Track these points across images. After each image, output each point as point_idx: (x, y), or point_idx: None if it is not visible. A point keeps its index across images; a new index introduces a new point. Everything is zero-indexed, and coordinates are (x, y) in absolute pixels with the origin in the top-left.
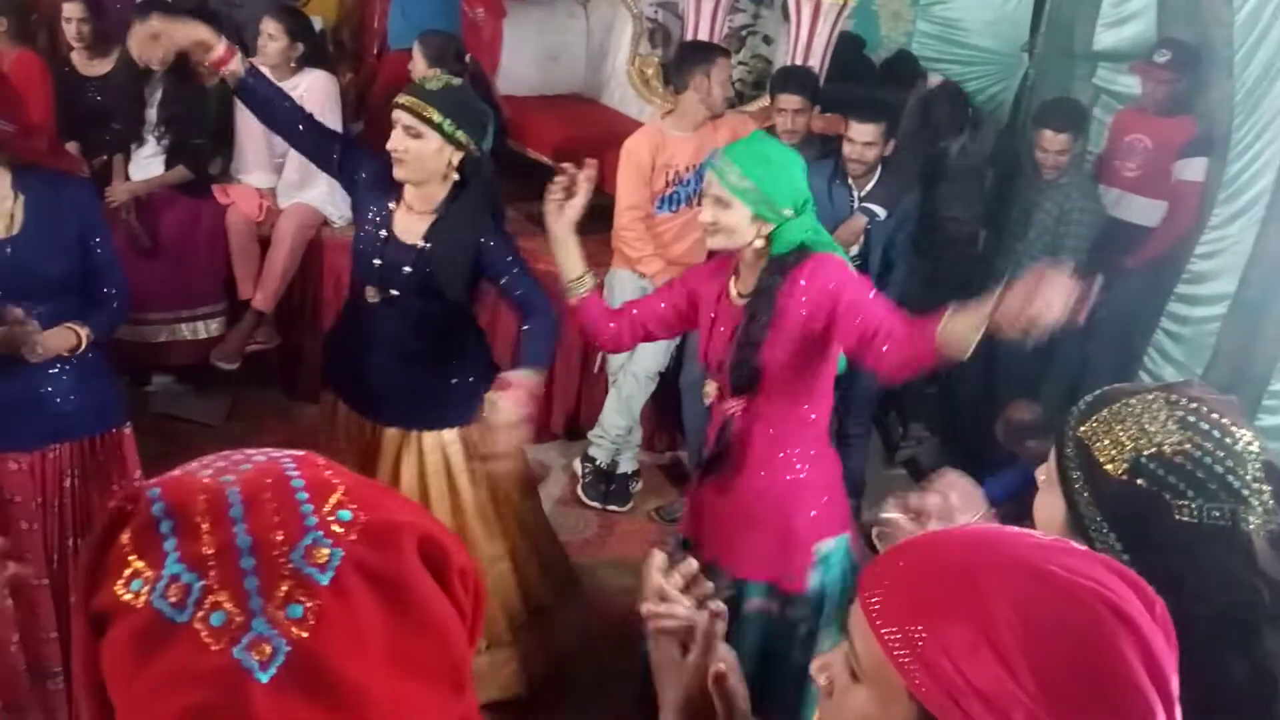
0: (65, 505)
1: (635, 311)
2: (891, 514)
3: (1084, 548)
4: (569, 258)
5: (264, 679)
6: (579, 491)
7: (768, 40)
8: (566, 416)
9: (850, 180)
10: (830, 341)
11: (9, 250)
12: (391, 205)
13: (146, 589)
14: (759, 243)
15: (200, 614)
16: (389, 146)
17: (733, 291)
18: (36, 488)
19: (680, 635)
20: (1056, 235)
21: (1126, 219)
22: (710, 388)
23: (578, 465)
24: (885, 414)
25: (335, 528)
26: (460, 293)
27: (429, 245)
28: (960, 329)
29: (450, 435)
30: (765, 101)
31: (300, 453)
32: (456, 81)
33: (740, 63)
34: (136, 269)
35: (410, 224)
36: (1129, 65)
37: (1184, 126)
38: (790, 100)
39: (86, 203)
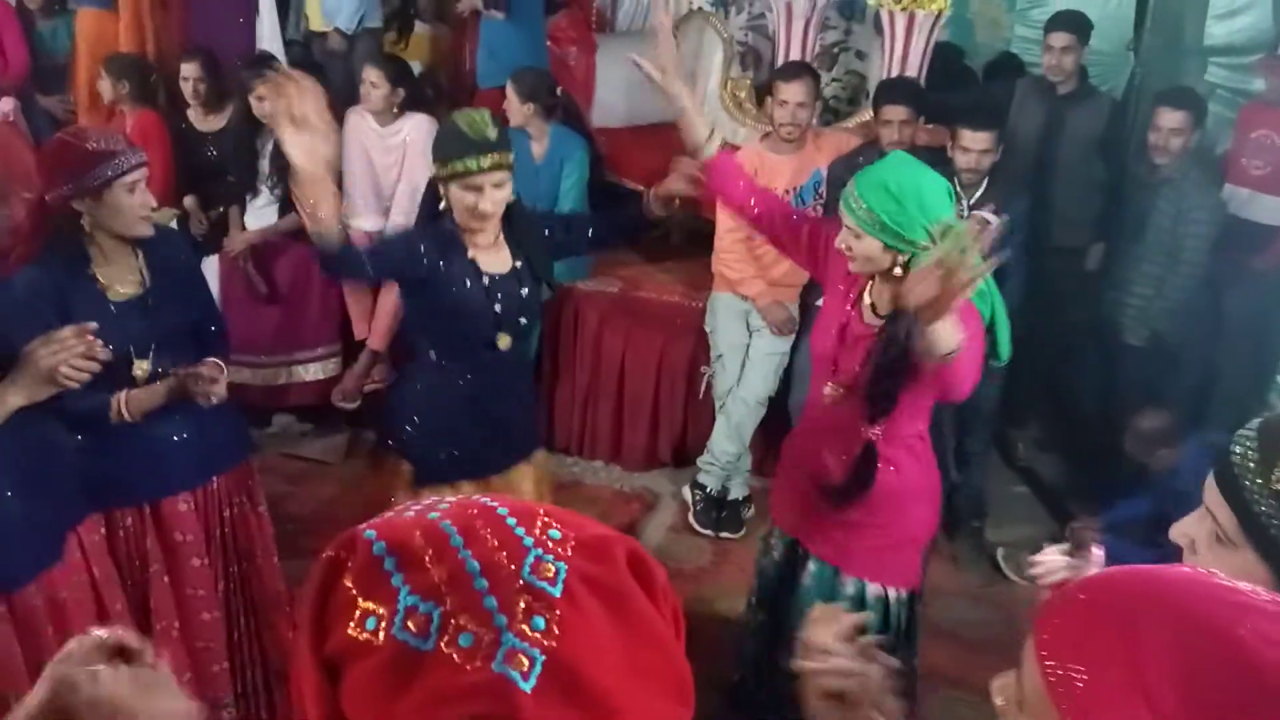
0: (226, 535)
1: (768, 199)
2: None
3: None
4: (693, 117)
5: (528, 688)
6: (690, 519)
7: (860, 55)
8: (673, 443)
9: (960, 189)
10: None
11: (148, 304)
12: (470, 255)
13: (384, 625)
14: (898, 270)
15: (446, 638)
16: (485, 210)
17: (866, 300)
18: (202, 523)
19: (841, 688)
20: (1175, 237)
21: (1255, 219)
22: (829, 389)
23: (687, 493)
24: (1005, 431)
25: (552, 545)
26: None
27: (521, 263)
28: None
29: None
30: (863, 116)
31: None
32: (490, 115)
33: (834, 79)
34: (255, 315)
35: (495, 258)
36: (1254, 62)
37: None
38: (896, 111)
39: (186, 250)
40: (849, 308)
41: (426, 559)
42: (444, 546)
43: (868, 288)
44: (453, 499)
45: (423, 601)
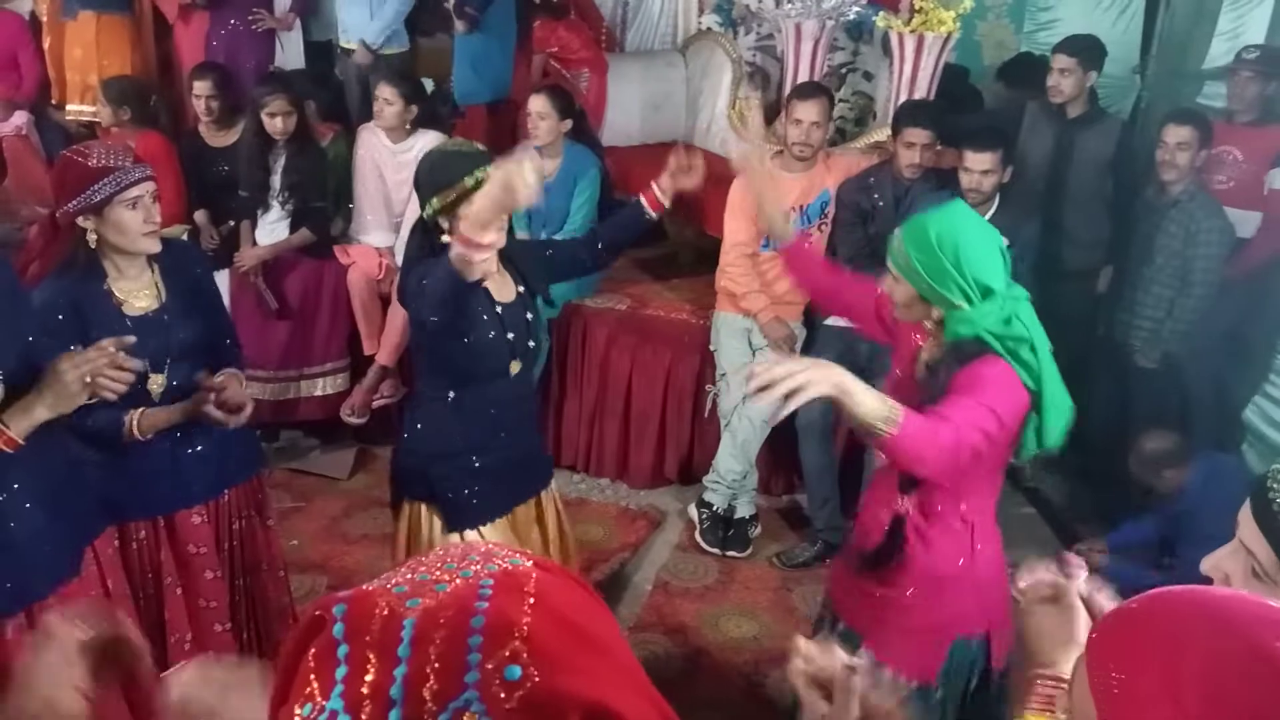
0: (235, 548)
1: (843, 281)
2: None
3: None
4: (779, 226)
5: None
6: (697, 537)
7: (868, 77)
8: (680, 461)
9: None
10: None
11: (165, 318)
12: (484, 285)
13: (313, 717)
14: (929, 325)
15: None
16: (496, 242)
17: (922, 357)
18: (214, 536)
19: (825, 686)
20: (1186, 258)
21: None
22: (879, 454)
23: (693, 511)
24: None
25: (496, 688)
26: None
27: (524, 288)
28: None
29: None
30: (873, 137)
31: (517, 566)
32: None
33: (841, 100)
34: (265, 330)
35: (501, 285)
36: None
37: (1273, 136)
38: (919, 134)
39: (199, 263)
40: (908, 361)
41: (369, 659)
42: (389, 652)
43: (925, 346)
44: (471, 571)
45: (344, 711)
